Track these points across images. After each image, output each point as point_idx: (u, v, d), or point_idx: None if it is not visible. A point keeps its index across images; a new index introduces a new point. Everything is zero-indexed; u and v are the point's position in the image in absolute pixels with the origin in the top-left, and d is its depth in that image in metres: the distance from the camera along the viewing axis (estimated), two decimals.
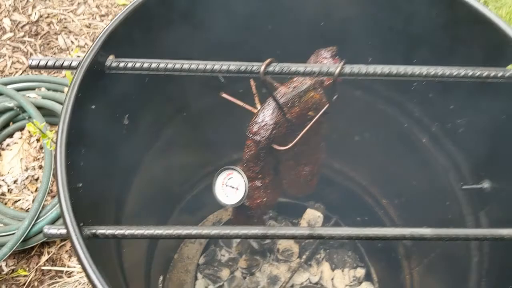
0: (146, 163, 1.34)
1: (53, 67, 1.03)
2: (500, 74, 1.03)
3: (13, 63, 2.60)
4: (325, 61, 1.25)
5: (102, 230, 0.87)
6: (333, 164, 1.86)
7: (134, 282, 1.40)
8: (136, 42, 1.09)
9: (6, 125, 2.32)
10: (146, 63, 1.02)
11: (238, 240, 1.98)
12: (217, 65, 1.03)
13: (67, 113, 0.90)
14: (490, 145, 1.18)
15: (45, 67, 1.03)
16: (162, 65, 1.03)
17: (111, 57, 1.03)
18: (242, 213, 1.37)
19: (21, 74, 2.56)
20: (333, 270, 1.92)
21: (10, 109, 2.22)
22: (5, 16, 2.76)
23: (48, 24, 2.78)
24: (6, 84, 2.37)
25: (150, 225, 0.89)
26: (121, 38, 1.05)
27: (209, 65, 1.03)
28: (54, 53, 2.67)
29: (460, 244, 1.31)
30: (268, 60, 1.02)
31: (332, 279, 1.91)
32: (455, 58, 1.12)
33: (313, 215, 2.00)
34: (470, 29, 1.12)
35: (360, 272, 1.89)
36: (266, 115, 1.13)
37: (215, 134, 1.44)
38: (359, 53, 1.24)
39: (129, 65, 1.02)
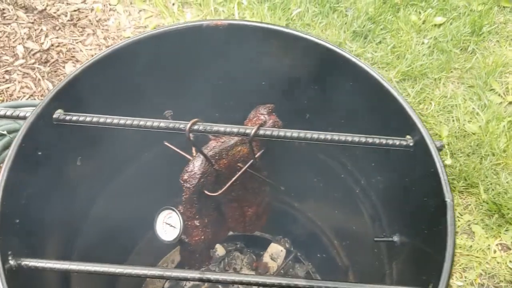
0: (99, 205, 1.50)
1: (11, 117, 1.21)
2: (398, 143, 1.16)
3: (21, 88, 2.84)
4: (262, 117, 1.40)
5: (31, 263, 1.03)
6: (294, 204, 1.99)
7: None
8: (84, 99, 1.26)
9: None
10: (89, 117, 1.19)
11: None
12: (149, 122, 1.19)
13: (10, 160, 1.07)
14: (399, 202, 1.29)
15: (5, 117, 1.21)
16: (102, 120, 1.19)
17: (59, 111, 1.20)
18: (185, 248, 1.51)
19: (28, 98, 2.79)
20: None
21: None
22: (19, 43, 3.01)
23: (58, 53, 3.01)
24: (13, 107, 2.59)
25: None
26: (69, 95, 1.22)
27: (142, 121, 1.19)
28: (60, 80, 2.89)
29: None
30: (193, 120, 1.18)
31: None
32: (370, 126, 1.26)
33: (276, 249, 2.13)
34: (379, 102, 1.25)
35: None
36: (195, 166, 1.28)
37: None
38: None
39: (74, 118, 1.20)
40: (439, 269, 0.95)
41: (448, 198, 1.02)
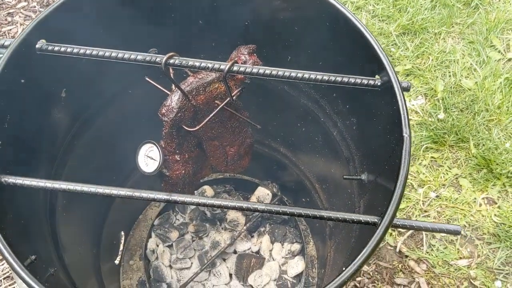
0: (83, 139, 1.57)
1: None
2: (366, 82, 1.19)
3: (23, 30, 2.87)
4: (242, 57, 1.43)
5: (10, 179, 1.10)
6: (279, 149, 2.05)
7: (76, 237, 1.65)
8: (67, 30, 1.30)
9: None
10: (70, 48, 1.24)
11: (192, 206, 2.21)
12: (127, 54, 1.23)
13: None
14: (368, 142, 1.34)
15: None
16: (83, 51, 1.24)
17: (42, 41, 1.25)
18: (167, 182, 1.58)
19: None
20: (272, 243, 2.12)
21: None
22: None
23: None
24: None
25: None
26: (52, 25, 1.26)
27: (121, 53, 1.23)
28: None
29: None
30: (169, 54, 1.22)
31: (271, 250, 2.11)
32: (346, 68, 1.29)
33: (263, 192, 2.20)
34: (354, 46, 1.27)
35: (296, 247, 2.09)
36: (173, 100, 1.33)
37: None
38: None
39: (56, 48, 1.24)
40: (389, 199, 1.00)
41: (405, 133, 1.06)
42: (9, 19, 2.92)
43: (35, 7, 2.97)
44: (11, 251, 0.96)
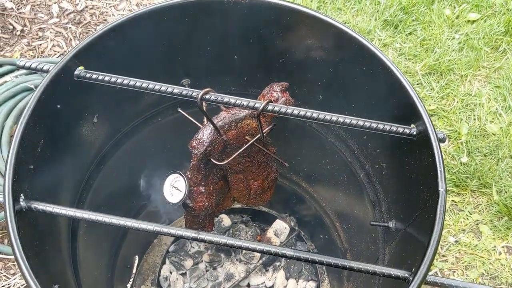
0: (110, 164, 1.57)
1: (35, 70, 1.28)
2: (402, 130, 1.18)
3: (53, 46, 2.93)
4: (275, 94, 1.43)
5: (40, 206, 1.10)
6: (301, 184, 2.03)
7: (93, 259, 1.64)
8: (104, 59, 1.31)
9: None
10: (108, 76, 1.25)
11: None
12: (163, 87, 1.24)
13: (29, 109, 1.13)
14: (398, 190, 1.32)
15: (30, 68, 1.28)
16: (120, 80, 1.25)
17: (81, 68, 1.26)
18: (189, 213, 1.57)
19: (58, 56, 2.88)
20: (287, 279, 2.09)
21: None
22: (55, 3, 3.09)
23: (91, 15, 3.09)
24: None
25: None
26: (91, 53, 1.27)
27: (157, 85, 1.24)
28: None
29: None
30: (205, 90, 1.22)
31: (285, 286, 2.08)
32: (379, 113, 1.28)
33: (280, 226, 2.18)
34: (391, 92, 1.27)
35: (311, 285, 2.05)
36: (204, 134, 1.33)
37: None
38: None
39: (94, 76, 1.25)
40: (423, 255, 0.98)
41: (441, 188, 1.04)
42: (40, 34, 2.97)
43: (66, 23, 3.02)
44: (37, 282, 0.94)
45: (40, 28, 3.00)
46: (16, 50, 2.88)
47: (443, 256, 2.39)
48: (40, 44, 2.93)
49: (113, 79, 1.25)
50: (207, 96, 1.22)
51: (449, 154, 2.65)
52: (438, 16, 3.09)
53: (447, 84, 2.87)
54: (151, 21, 1.37)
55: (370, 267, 1.01)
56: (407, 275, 1.00)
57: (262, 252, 1.03)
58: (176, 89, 1.24)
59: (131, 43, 1.36)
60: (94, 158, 1.50)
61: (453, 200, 2.52)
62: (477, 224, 2.49)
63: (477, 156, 2.62)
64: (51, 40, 2.94)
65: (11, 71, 2.67)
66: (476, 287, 1.01)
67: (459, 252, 2.41)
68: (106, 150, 1.53)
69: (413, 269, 1.00)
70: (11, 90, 2.52)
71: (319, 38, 1.42)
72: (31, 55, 2.88)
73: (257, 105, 1.21)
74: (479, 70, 2.94)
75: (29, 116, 1.14)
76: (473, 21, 3.10)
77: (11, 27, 2.95)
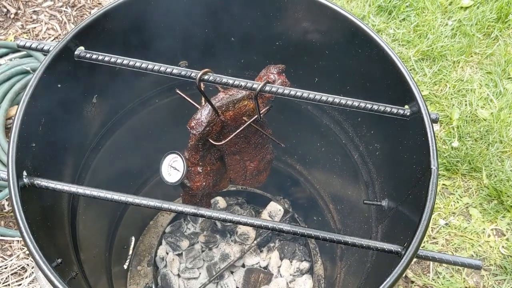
0: (110, 143, 1.59)
1: (36, 49, 1.29)
2: (395, 111, 1.21)
3: (47, 29, 2.92)
4: (271, 76, 1.46)
5: (42, 182, 1.12)
6: (296, 166, 2.06)
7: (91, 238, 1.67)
8: (103, 40, 1.33)
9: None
10: (108, 57, 1.27)
11: None
12: (163, 67, 1.26)
13: (31, 88, 1.15)
14: (391, 169, 1.36)
15: (30, 48, 1.29)
16: (120, 61, 1.26)
17: (81, 48, 1.28)
18: (187, 192, 1.60)
19: (53, 40, 2.88)
20: (281, 259, 2.13)
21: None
22: None
23: None
24: None
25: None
26: (91, 33, 1.29)
27: (156, 66, 1.26)
28: None
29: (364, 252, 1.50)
30: (204, 70, 1.24)
31: (279, 266, 2.12)
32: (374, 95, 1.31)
33: (274, 208, 2.22)
34: (385, 74, 1.30)
35: (305, 265, 2.10)
36: (202, 114, 1.35)
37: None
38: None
39: (94, 56, 1.27)
40: (415, 230, 1.02)
41: (433, 166, 1.08)
42: (34, 17, 2.96)
43: (61, 6, 3.01)
44: (41, 254, 0.97)
45: (34, 11, 2.99)
46: (10, 33, 2.87)
47: (434, 238, 2.44)
48: (35, 27, 2.92)
49: (112, 59, 1.26)
50: (206, 77, 1.24)
51: (441, 138, 2.69)
52: (431, 3, 3.12)
53: (439, 70, 2.90)
54: (149, 2, 1.38)
55: (364, 241, 1.04)
56: (399, 249, 1.04)
57: (260, 227, 1.06)
58: (175, 70, 1.25)
59: (129, 24, 1.38)
60: (93, 138, 1.52)
61: (444, 184, 2.57)
62: (467, 207, 2.54)
63: (468, 140, 2.66)
64: (45, 23, 2.93)
65: (5, 54, 2.67)
66: (465, 260, 1.05)
67: (449, 235, 2.46)
68: (105, 130, 1.55)
69: (405, 244, 1.03)
70: (5, 73, 2.52)
71: (315, 20, 1.45)
72: (25, 38, 2.87)
73: (255, 86, 1.23)
74: (471, 56, 2.98)
75: (31, 94, 1.15)
76: (466, 8, 3.13)
77: (5, 10, 2.94)
